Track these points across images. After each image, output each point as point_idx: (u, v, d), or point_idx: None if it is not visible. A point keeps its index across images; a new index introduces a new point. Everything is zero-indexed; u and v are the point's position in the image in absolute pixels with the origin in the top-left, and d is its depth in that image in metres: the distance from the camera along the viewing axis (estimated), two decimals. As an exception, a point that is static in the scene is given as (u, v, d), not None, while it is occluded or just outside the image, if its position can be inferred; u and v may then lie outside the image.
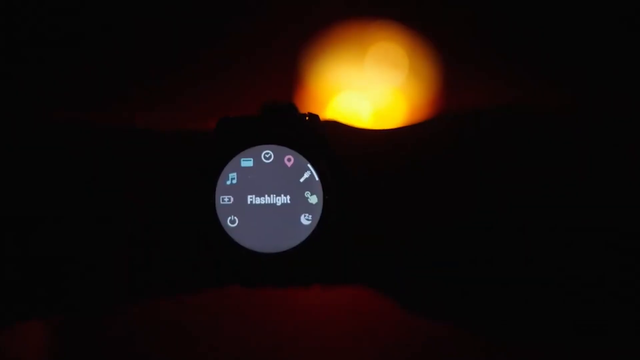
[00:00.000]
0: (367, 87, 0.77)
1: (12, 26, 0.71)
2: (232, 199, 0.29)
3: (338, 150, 0.29)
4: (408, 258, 0.29)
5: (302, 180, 0.29)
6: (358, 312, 0.69)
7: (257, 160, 0.29)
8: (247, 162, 0.29)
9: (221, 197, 0.29)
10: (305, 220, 0.29)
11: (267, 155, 0.29)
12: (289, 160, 0.29)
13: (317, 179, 0.29)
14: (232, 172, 0.29)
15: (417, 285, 0.30)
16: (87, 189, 0.29)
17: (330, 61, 0.77)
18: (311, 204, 0.29)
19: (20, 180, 0.29)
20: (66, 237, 0.29)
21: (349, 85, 0.77)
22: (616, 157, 0.29)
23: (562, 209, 0.28)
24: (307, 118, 0.30)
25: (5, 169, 0.29)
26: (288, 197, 0.29)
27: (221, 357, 0.69)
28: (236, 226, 0.29)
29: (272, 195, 0.29)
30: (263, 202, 0.29)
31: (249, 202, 0.29)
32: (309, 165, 0.29)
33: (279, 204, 0.29)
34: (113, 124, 0.31)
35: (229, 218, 0.29)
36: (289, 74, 0.76)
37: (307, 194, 0.29)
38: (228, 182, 0.29)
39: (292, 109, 0.31)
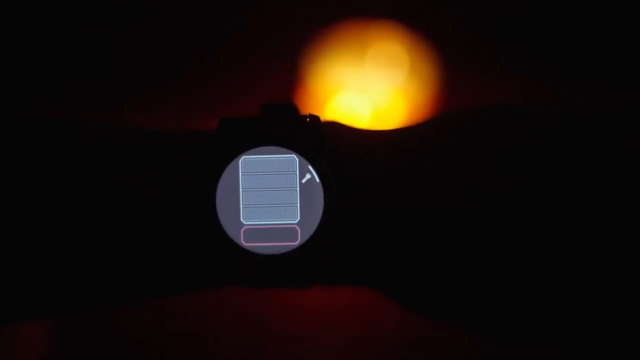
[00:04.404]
0: (367, 87, 0.77)
1: (10, 25, 0.71)
2: None
3: (339, 151, 0.29)
4: (408, 258, 0.29)
5: (303, 181, 0.29)
6: (359, 313, 0.69)
7: None
8: None
9: None
10: None
11: None
12: None
13: (317, 180, 0.29)
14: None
15: (417, 285, 0.30)
16: (87, 189, 0.29)
17: (330, 61, 0.77)
18: None
19: (20, 180, 0.29)
20: (65, 237, 0.29)
21: (349, 85, 0.77)
22: (616, 157, 0.29)
23: (562, 209, 0.28)
24: (307, 119, 0.30)
25: (5, 169, 0.29)
26: None
27: (222, 357, 0.69)
28: None
29: None
30: None
31: None
32: (310, 167, 0.29)
33: None
34: (113, 123, 0.31)
35: None
36: (289, 74, 0.76)
37: None
38: None
39: (293, 109, 0.31)
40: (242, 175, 0.29)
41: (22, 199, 0.28)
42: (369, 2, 0.78)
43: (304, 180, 0.29)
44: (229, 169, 0.29)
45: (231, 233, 0.29)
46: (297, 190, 0.29)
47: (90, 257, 0.29)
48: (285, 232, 0.29)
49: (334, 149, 0.29)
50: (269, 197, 0.29)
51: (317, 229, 0.29)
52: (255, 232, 0.29)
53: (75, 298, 0.30)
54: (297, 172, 0.29)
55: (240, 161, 0.29)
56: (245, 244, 0.29)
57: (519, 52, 0.75)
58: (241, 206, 0.29)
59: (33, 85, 0.71)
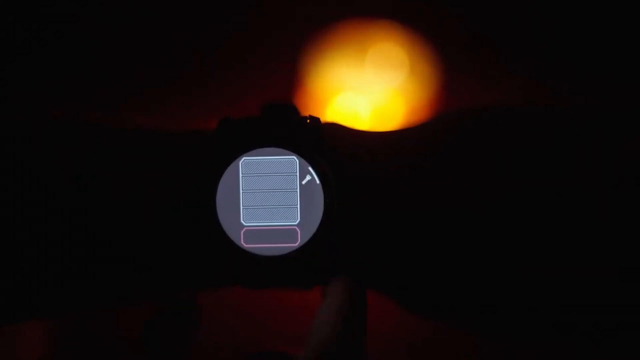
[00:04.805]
0: (367, 87, 0.77)
1: (10, 25, 0.71)
2: None
3: (339, 153, 0.29)
4: (408, 258, 0.29)
5: (303, 183, 0.29)
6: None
7: None
8: None
9: None
10: None
11: None
12: None
13: (318, 182, 0.29)
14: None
15: (417, 285, 0.30)
16: (87, 189, 0.29)
17: (330, 61, 0.77)
18: None
19: (20, 180, 0.29)
20: (65, 237, 0.29)
21: (349, 86, 0.77)
22: (616, 157, 0.29)
23: (562, 209, 0.28)
24: (308, 121, 0.30)
25: (5, 169, 0.29)
26: None
27: (222, 357, 0.69)
28: None
29: None
30: None
31: None
32: (310, 169, 0.29)
33: None
34: (113, 123, 0.31)
35: None
36: (289, 74, 0.76)
37: None
38: None
39: (293, 110, 0.31)
40: (242, 176, 0.29)
41: (22, 199, 0.28)
42: (369, 2, 0.78)
43: (304, 182, 0.29)
44: (229, 170, 0.29)
45: (231, 234, 0.29)
46: (297, 191, 0.29)
47: (90, 257, 0.29)
48: (285, 233, 0.29)
49: (334, 150, 0.29)
50: (269, 199, 0.29)
51: (317, 230, 0.29)
52: (256, 234, 0.29)
53: (75, 298, 0.30)
54: (297, 174, 0.29)
55: (240, 162, 0.29)
56: (245, 245, 0.29)
57: (519, 52, 0.75)
58: (241, 207, 0.29)
59: (33, 85, 0.71)
